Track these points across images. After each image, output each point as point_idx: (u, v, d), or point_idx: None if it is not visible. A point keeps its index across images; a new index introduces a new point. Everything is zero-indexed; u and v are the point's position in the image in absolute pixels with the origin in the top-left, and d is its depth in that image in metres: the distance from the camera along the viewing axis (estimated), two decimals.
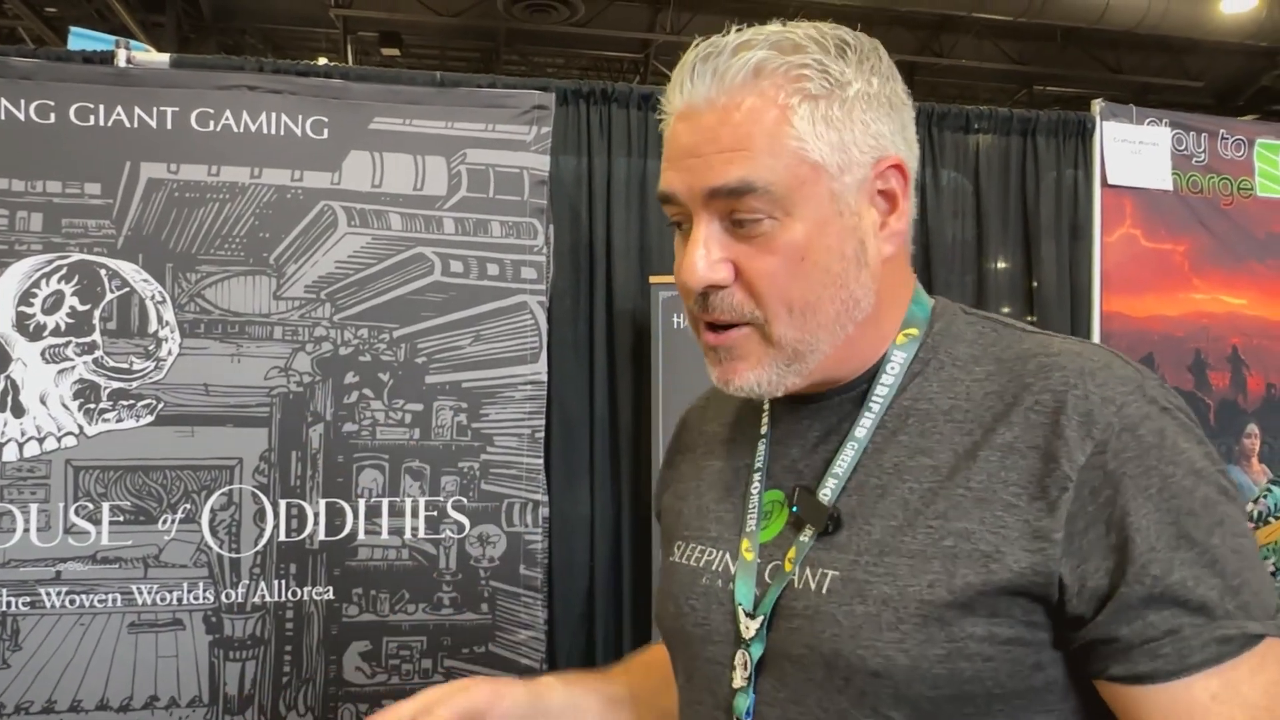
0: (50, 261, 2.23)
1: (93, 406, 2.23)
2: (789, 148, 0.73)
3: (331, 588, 2.30)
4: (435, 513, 2.36)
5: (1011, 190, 3.03)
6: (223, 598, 2.26)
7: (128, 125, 2.26)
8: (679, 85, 0.77)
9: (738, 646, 0.79)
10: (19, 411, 2.20)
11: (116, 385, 2.24)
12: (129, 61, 2.34)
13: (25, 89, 2.22)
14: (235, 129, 2.31)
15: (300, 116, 2.34)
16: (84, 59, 2.38)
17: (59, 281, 2.23)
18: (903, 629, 0.70)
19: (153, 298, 2.27)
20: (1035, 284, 3.04)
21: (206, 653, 2.25)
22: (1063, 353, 0.75)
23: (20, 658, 2.16)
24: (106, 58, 2.36)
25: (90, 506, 2.21)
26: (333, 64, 4.65)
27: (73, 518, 2.20)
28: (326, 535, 2.31)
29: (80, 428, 2.22)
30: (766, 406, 0.87)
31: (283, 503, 2.30)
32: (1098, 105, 2.98)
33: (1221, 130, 3.06)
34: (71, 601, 2.19)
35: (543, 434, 2.43)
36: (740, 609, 0.79)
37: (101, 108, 2.25)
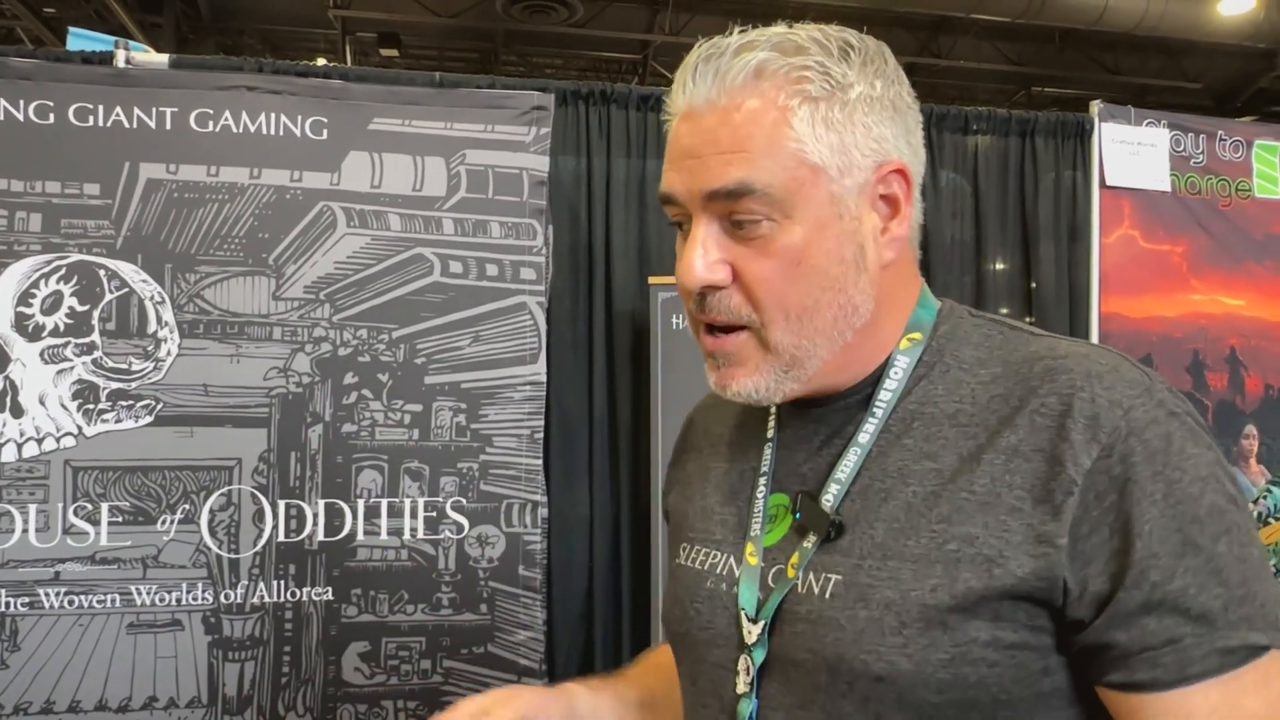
0: (49, 262, 2.23)
1: (92, 407, 2.23)
2: (788, 149, 0.73)
3: (330, 588, 2.30)
4: (434, 513, 2.36)
5: (1010, 191, 3.03)
6: (222, 598, 2.26)
7: (127, 126, 2.26)
8: (682, 85, 0.76)
9: (741, 651, 0.78)
10: (18, 412, 2.20)
11: (115, 386, 2.24)
12: (128, 62, 2.34)
13: (24, 89, 2.22)
14: (234, 129, 2.31)
15: (299, 117, 2.34)
16: (83, 59, 2.38)
17: (58, 282, 2.23)
18: (906, 634, 0.70)
19: (152, 298, 2.27)
20: (1034, 285, 3.04)
21: (205, 653, 2.24)
22: (1070, 355, 0.74)
23: (19, 658, 2.16)
24: (105, 58, 2.36)
25: (89, 507, 2.21)
26: (332, 65, 4.65)
27: (71, 518, 2.20)
28: (325, 536, 2.31)
29: (79, 428, 2.22)
30: (773, 410, 0.87)
31: (282, 503, 2.30)
32: (1096, 106, 2.98)
33: (1220, 131, 3.06)
34: (70, 602, 2.19)
35: (542, 435, 2.43)
36: (743, 613, 0.79)
37: (100, 108, 2.25)
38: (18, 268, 2.21)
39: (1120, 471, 0.68)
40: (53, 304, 2.23)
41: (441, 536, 2.36)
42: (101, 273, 2.25)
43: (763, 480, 0.84)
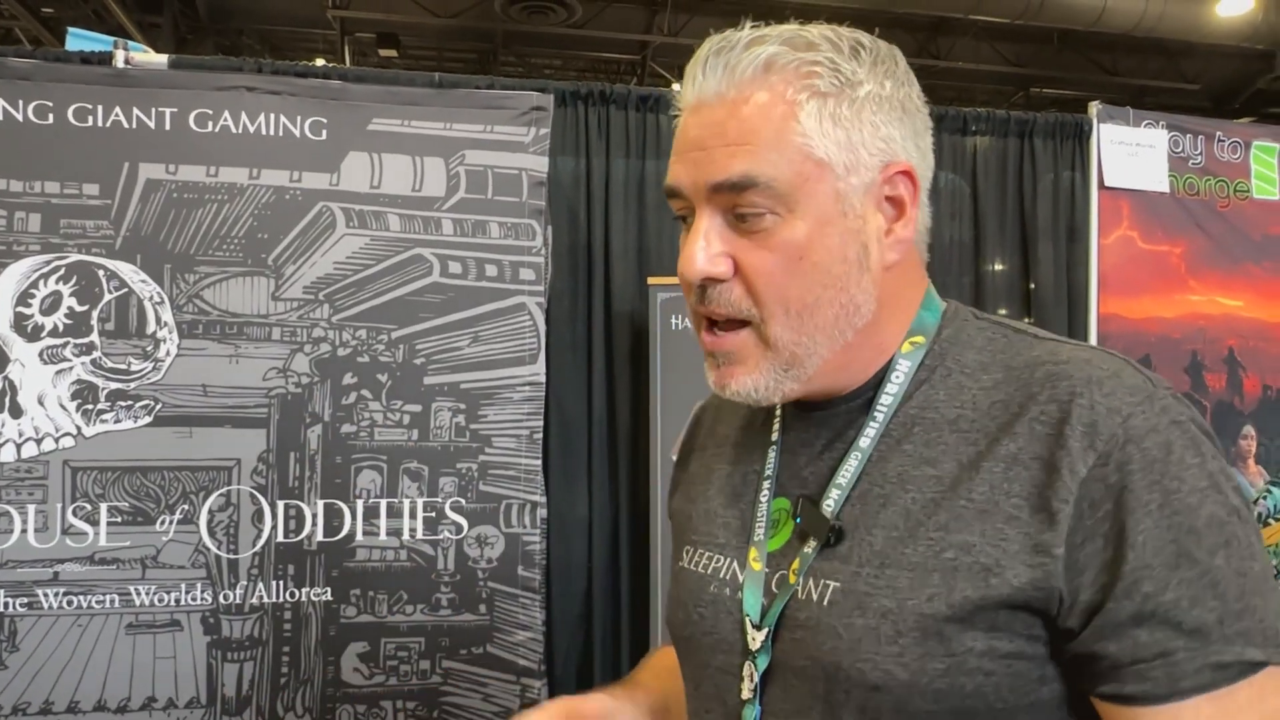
0: (48, 262, 2.23)
1: (91, 407, 2.22)
2: (794, 144, 0.73)
3: (329, 589, 2.30)
4: (433, 514, 2.36)
5: (1009, 192, 3.03)
6: (220, 599, 2.26)
7: (126, 126, 2.26)
8: (691, 79, 0.76)
9: (745, 657, 0.78)
10: (17, 412, 2.20)
11: (114, 386, 2.24)
12: (127, 62, 2.34)
13: (23, 89, 2.22)
14: (234, 130, 2.31)
15: (299, 117, 2.34)
16: (82, 59, 2.38)
17: (57, 282, 2.23)
18: (902, 643, 0.69)
19: (151, 298, 2.27)
20: (1032, 286, 3.04)
21: (204, 654, 2.24)
22: (1071, 361, 0.73)
23: (18, 659, 2.16)
24: (104, 58, 2.36)
25: (88, 507, 2.21)
26: (331, 65, 4.65)
27: (70, 518, 2.20)
28: (324, 536, 2.31)
29: (78, 428, 2.22)
30: (779, 413, 0.86)
31: (281, 504, 2.30)
32: (1095, 107, 2.98)
33: (1218, 132, 3.06)
34: (69, 602, 2.19)
35: (541, 435, 2.43)
36: (747, 619, 0.78)
37: (100, 108, 2.25)
38: (17, 268, 2.21)
39: (1116, 480, 0.67)
40: (52, 304, 2.23)
41: (440, 537, 2.36)
42: (100, 273, 2.25)
43: (766, 484, 0.83)
